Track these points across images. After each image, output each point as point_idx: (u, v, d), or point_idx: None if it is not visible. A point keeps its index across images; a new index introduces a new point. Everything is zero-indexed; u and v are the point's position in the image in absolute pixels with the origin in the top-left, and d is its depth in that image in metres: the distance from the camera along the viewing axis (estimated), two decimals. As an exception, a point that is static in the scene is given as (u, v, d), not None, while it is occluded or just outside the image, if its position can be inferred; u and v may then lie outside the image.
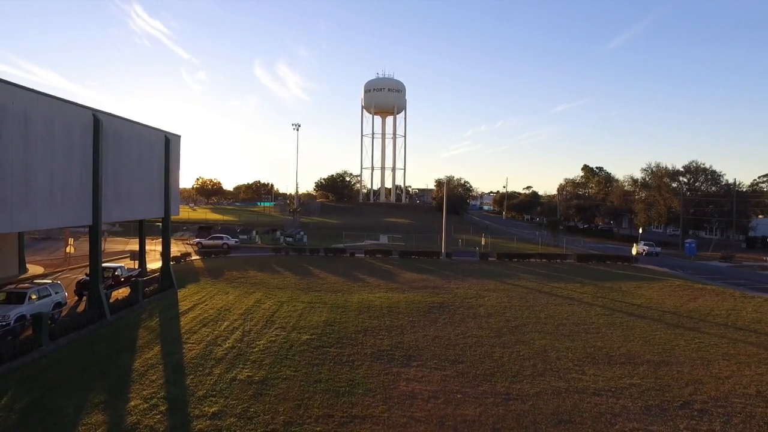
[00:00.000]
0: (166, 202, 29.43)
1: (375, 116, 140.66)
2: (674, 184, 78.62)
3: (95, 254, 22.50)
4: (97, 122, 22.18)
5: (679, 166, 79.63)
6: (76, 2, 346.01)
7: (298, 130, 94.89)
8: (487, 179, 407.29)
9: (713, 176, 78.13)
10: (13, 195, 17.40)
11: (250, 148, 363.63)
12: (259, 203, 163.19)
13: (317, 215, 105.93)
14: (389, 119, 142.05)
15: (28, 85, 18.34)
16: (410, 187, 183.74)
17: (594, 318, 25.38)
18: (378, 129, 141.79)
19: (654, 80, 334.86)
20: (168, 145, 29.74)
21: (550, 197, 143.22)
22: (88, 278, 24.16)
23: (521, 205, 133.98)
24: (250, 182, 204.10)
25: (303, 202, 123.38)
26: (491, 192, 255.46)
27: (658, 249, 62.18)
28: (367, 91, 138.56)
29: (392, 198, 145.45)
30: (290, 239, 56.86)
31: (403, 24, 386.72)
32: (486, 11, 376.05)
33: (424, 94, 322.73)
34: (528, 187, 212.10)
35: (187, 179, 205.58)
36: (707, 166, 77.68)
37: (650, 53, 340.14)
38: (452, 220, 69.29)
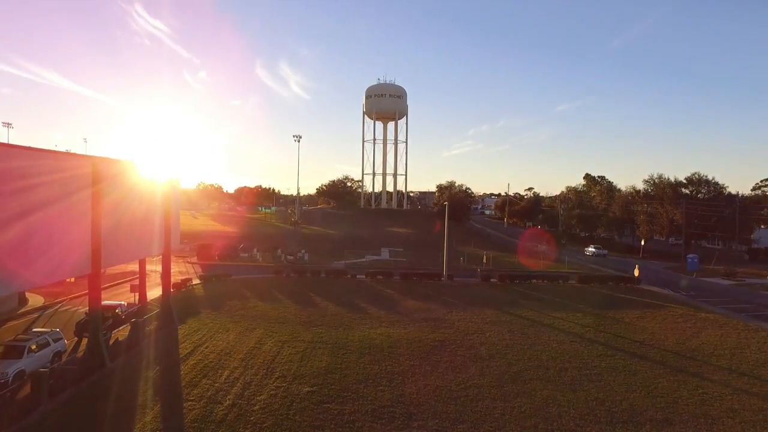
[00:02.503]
0: (167, 240, 29.30)
1: (376, 122, 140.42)
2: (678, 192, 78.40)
3: (95, 302, 22.40)
4: (97, 170, 22.05)
5: (682, 177, 79.56)
6: (77, 2, 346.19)
7: (299, 141, 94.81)
8: (489, 179, 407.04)
9: (716, 188, 77.91)
10: (11, 257, 17.29)
11: (251, 148, 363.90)
12: (261, 208, 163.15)
13: (319, 224, 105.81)
14: (390, 125, 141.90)
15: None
16: (411, 192, 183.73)
17: (596, 360, 25.20)
18: (379, 135, 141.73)
19: (656, 79, 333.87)
20: (168, 184, 29.62)
21: (552, 199, 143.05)
22: (87, 318, 24.10)
23: (523, 212, 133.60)
24: (252, 186, 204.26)
25: (304, 208, 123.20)
26: (492, 194, 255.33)
27: (605, 251, 75.14)
28: (368, 96, 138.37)
29: (394, 203, 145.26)
30: (291, 257, 56.77)
31: (404, 22, 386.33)
32: (489, 9, 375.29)
33: (426, 93, 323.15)
34: (529, 188, 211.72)
35: (188, 182, 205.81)
36: (710, 177, 77.55)
37: (652, 52, 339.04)
38: (454, 228, 68.89)
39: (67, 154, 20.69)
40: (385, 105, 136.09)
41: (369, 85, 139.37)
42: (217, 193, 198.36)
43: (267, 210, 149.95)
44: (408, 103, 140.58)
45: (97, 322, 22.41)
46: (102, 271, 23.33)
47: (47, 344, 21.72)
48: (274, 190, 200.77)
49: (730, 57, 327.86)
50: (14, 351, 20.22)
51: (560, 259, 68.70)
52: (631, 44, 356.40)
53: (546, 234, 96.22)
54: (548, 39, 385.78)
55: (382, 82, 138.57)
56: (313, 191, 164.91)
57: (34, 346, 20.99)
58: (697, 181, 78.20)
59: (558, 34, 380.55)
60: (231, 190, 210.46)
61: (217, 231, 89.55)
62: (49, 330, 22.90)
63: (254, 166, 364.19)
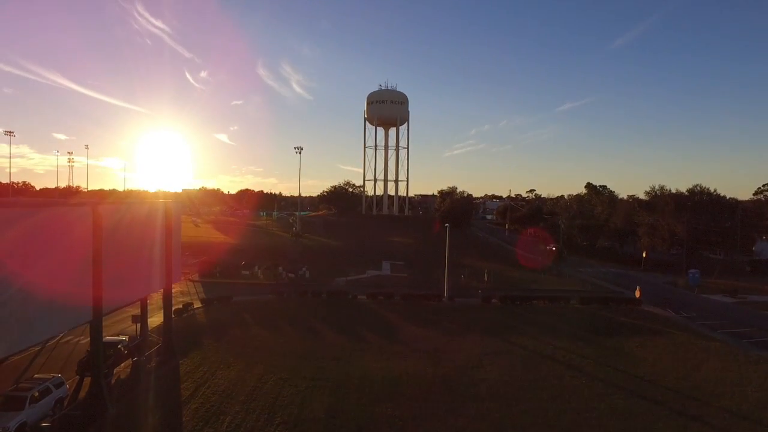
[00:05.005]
0: (168, 275, 29.35)
1: (378, 128, 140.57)
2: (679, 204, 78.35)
3: (96, 348, 22.46)
4: (97, 216, 22.11)
5: (683, 183, 79.84)
6: (77, 2, 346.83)
7: (300, 153, 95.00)
8: (490, 180, 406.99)
9: (718, 199, 77.84)
10: (12, 317, 17.38)
11: (252, 148, 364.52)
12: (262, 213, 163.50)
13: (320, 233, 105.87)
14: (392, 131, 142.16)
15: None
16: (412, 196, 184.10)
17: (596, 400, 25.20)
18: (381, 141, 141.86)
19: (657, 78, 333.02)
20: (168, 215, 29.66)
21: (554, 202, 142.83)
22: (89, 357, 24.15)
23: (524, 218, 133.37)
24: (254, 188, 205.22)
25: (304, 213, 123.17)
26: (494, 197, 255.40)
27: (565, 251, 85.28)
28: (370, 103, 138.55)
29: (395, 209, 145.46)
30: (292, 275, 56.92)
31: (406, 20, 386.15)
32: (491, 6, 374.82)
33: (428, 91, 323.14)
34: (531, 190, 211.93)
35: (190, 184, 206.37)
36: (711, 189, 77.49)
37: (654, 52, 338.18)
38: (455, 236, 68.74)
39: (67, 205, 20.74)
40: (387, 111, 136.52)
41: (370, 89, 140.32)
42: (218, 195, 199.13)
43: (268, 216, 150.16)
44: (410, 103, 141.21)
45: (99, 368, 22.47)
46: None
47: (49, 392, 21.69)
48: (275, 194, 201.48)
49: (731, 56, 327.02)
50: (15, 402, 20.17)
51: (561, 273, 68.85)
52: (632, 44, 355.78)
53: (545, 235, 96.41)
54: (550, 37, 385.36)
55: (383, 87, 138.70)
56: (315, 192, 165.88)
57: (36, 394, 20.99)
58: (698, 193, 78.14)
59: (560, 33, 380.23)
60: (233, 191, 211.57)
61: (219, 242, 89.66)
62: (50, 376, 22.85)
63: (256, 167, 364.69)
